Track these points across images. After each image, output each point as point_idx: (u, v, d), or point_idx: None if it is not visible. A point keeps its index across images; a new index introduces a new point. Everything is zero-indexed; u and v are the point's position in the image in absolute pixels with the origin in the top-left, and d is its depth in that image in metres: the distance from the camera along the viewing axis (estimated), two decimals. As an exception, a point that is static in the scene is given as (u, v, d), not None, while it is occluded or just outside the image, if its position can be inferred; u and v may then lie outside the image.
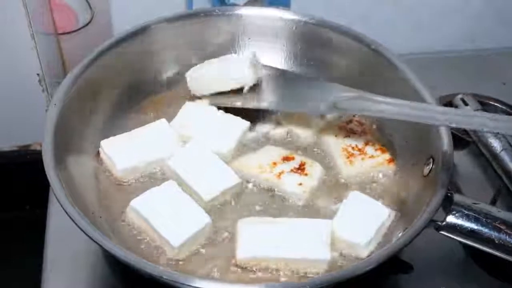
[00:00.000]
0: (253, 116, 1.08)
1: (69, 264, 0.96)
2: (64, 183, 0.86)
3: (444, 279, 0.96)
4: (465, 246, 0.90)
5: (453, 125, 0.87)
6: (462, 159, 1.13)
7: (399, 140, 1.03)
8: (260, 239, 0.88)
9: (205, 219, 0.90)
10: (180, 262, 0.88)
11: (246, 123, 1.05)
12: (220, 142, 1.01)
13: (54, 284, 0.94)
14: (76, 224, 0.81)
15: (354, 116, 1.08)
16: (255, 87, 1.05)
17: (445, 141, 0.92)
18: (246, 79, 1.03)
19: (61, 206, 0.83)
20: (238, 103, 1.04)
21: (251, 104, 1.04)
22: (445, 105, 1.17)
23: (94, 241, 0.80)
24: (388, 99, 0.93)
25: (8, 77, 1.16)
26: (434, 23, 1.42)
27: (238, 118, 1.05)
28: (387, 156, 1.01)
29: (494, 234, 0.84)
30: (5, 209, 1.35)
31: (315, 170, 0.99)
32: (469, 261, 0.99)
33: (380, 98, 0.94)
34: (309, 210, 0.96)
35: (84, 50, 1.03)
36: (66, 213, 0.82)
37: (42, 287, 0.94)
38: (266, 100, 1.05)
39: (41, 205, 1.05)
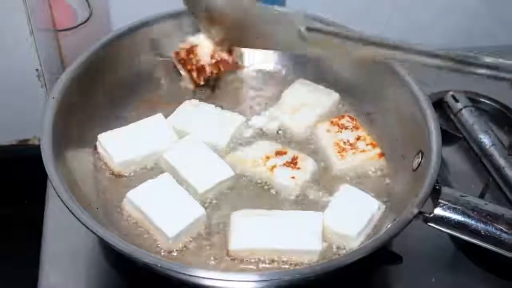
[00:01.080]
0: (248, 111, 1.10)
1: (67, 257, 0.97)
2: (62, 176, 0.87)
3: (433, 270, 0.97)
4: (454, 238, 0.92)
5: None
6: (452, 155, 1.14)
7: (389, 135, 1.04)
8: (253, 231, 0.90)
9: (200, 210, 0.92)
10: (175, 253, 0.90)
11: (241, 118, 1.07)
12: (215, 137, 1.03)
13: (52, 277, 0.94)
14: (74, 214, 0.82)
15: (341, 105, 1.12)
16: None
17: (434, 135, 0.93)
18: None
19: (59, 197, 0.84)
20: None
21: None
22: (436, 102, 1.18)
23: (91, 231, 0.81)
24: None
25: (7, 72, 1.16)
26: (432, 22, 1.42)
27: (234, 114, 1.07)
28: (377, 150, 1.02)
29: (480, 226, 0.85)
30: (3, 204, 1.36)
31: (307, 164, 1.00)
32: (459, 253, 1.00)
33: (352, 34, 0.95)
34: (301, 202, 0.97)
35: (83, 46, 1.04)
36: (65, 204, 0.83)
37: (40, 281, 0.94)
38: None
39: (40, 200, 1.05)
